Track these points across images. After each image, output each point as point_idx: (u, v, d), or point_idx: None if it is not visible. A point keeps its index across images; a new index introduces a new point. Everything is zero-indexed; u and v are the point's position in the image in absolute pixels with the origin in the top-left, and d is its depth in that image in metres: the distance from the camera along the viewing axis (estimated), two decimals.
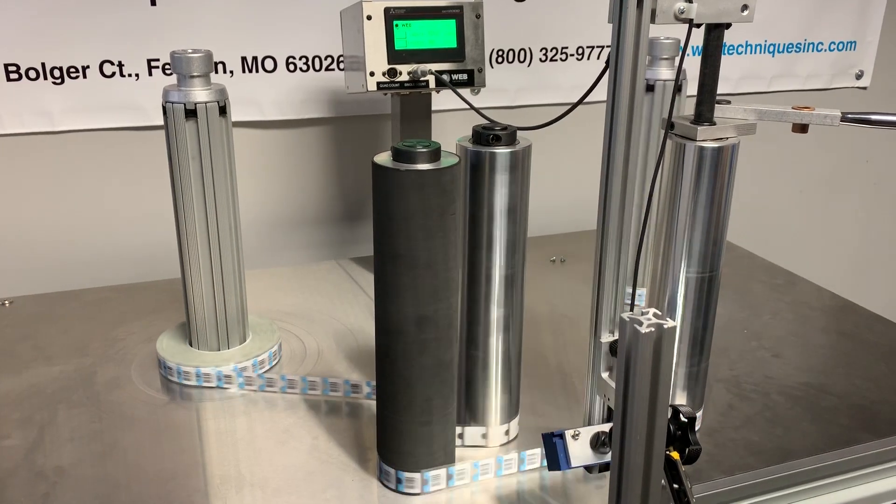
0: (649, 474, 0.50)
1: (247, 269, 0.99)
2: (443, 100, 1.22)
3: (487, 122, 0.76)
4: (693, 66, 0.77)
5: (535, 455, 0.79)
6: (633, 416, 0.49)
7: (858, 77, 1.64)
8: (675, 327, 0.47)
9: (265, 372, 0.95)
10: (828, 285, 1.23)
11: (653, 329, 0.47)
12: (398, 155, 0.67)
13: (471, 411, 0.82)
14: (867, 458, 0.84)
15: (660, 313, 0.48)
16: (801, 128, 0.78)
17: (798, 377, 0.97)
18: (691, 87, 0.85)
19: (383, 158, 0.68)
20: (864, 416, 0.89)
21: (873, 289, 1.80)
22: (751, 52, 1.53)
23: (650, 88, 1.05)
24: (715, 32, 0.73)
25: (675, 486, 0.57)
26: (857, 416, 0.89)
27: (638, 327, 0.47)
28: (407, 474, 0.74)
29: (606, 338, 0.75)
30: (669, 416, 0.63)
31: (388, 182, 0.67)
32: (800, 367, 0.99)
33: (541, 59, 1.38)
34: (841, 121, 0.75)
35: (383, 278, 0.71)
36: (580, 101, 0.77)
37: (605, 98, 0.68)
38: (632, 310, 0.59)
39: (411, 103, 1.10)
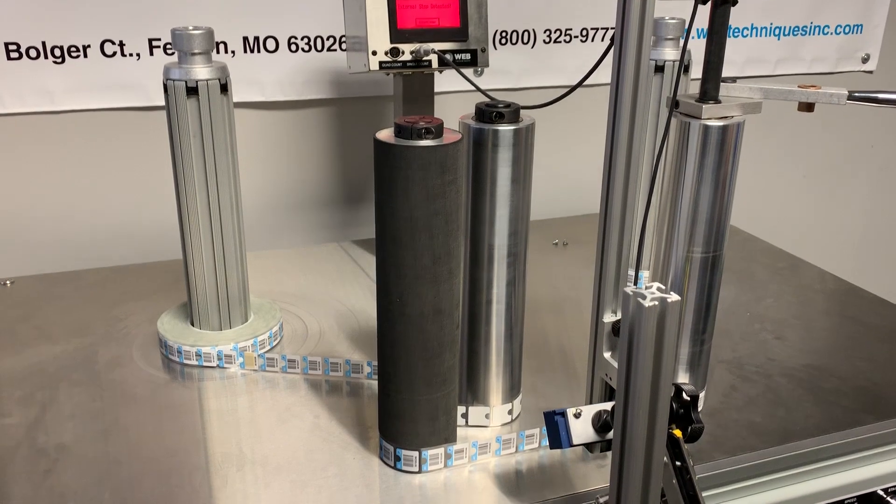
0: (651, 450, 0.50)
1: (248, 251, 0.99)
2: (446, 81, 1.22)
3: (491, 99, 0.75)
4: (698, 48, 0.76)
5: (535, 434, 0.79)
6: (636, 391, 0.49)
7: (864, 61, 1.62)
8: (678, 301, 0.47)
9: (266, 352, 0.95)
10: (832, 270, 1.22)
11: (656, 303, 0.46)
12: (400, 131, 0.66)
13: (472, 391, 0.82)
14: (870, 439, 0.84)
15: (663, 287, 0.47)
16: (807, 107, 0.77)
17: (801, 359, 0.96)
18: (696, 71, 0.84)
19: (385, 135, 0.67)
20: (867, 399, 0.88)
21: (878, 273, 1.79)
22: (756, 35, 1.52)
23: (658, 69, 1.04)
24: (721, 9, 0.72)
25: (678, 462, 0.57)
26: (859, 398, 0.89)
27: (641, 301, 0.46)
28: (407, 452, 0.74)
29: (609, 318, 0.75)
30: (672, 394, 0.63)
31: (389, 158, 0.66)
32: (803, 349, 0.99)
33: (545, 41, 1.37)
34: (848, 99, 0.75)
35: (384, 256, 0.70)
36: (584, 80, 0.76)
37: (609, 80, 0.67)
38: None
39: (414, 84, 1.10)
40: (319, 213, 1.36)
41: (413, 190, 0.66)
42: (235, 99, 1.21)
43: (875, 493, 0.85)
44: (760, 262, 1.25)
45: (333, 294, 1.11)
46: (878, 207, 1.80)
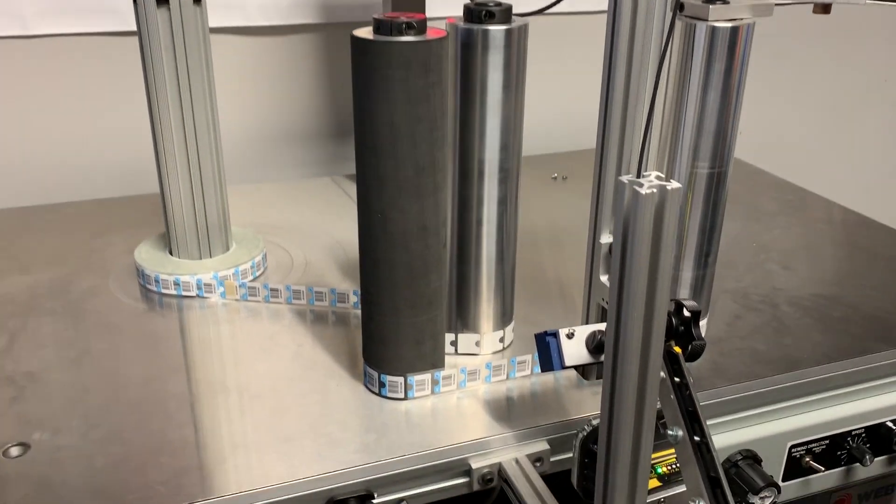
0: (648, 355, 0.46)
1: (235, 185, 0.94)
2: (437, 6, 1.15)
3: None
4: None
5: (527, 361, 0.75)
6: (632, 291, 0.44)
7: None
8: (679, 189, 0.42)
9: (250, 281, 0.90)
10: (842, 203, 1.17)
11: (654, 191, 0.42)
12: (379, 27, 0.61)
13: (462, 317, 0.78)
14: (880, 368, 0.80)
15: (662, 176, 0.43)
16: (823, 8, 0.71)
17: (808, 288, 0.92)
18: None
19: (364, 32, 0.62)
20: (877, 327, 0.84)
21: (889, 207, 1.73)
22: None
23: None
24: None
25: (677, 379, 0.52)
26: (870, 326, 0.84)
27: (638, 189, 0.41)
28: (391, 378, 0.70)
29: (606, 239, 0.70)
30: (673, 310, 0.59)
31: (367, 57, 0.61)
32: (811, 278, 0.94)
33: None
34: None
35: (364, 168, 0.65)
36: None
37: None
38: None
39: (404, 4, 1.03)
40: (310, 146, 1.30)
41: (393, 92, 0.61)
42: (215, 24, 1.15)
43: (884, 424, 0.81)
44: (768, 195, 1.20)
45: (322, 227, 1.07)
46: (890, 141, 1.73)
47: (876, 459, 0.81)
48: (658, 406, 0.53)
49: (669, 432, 0.51)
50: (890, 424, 0.82)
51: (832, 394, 0.79)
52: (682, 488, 0.66)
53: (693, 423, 0.50)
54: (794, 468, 0.79)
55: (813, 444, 0.79)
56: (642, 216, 0.42)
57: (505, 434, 0.68)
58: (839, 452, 0.81)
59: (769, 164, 1.32)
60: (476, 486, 0.67)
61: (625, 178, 0.43)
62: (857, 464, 0.81)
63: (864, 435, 0.81)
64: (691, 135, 0.71)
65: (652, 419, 0.49)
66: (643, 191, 0.41)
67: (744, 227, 1.08)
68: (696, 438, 0.50)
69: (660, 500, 0.63)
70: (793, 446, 0.78)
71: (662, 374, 0.52)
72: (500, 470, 0.67)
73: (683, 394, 0.51)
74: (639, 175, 0.63)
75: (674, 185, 0.42)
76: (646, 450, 0.49)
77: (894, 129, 1.73)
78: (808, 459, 0.79)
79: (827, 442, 0.79)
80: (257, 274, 0.92)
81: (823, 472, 0.80)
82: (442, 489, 0.67)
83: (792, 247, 1.03)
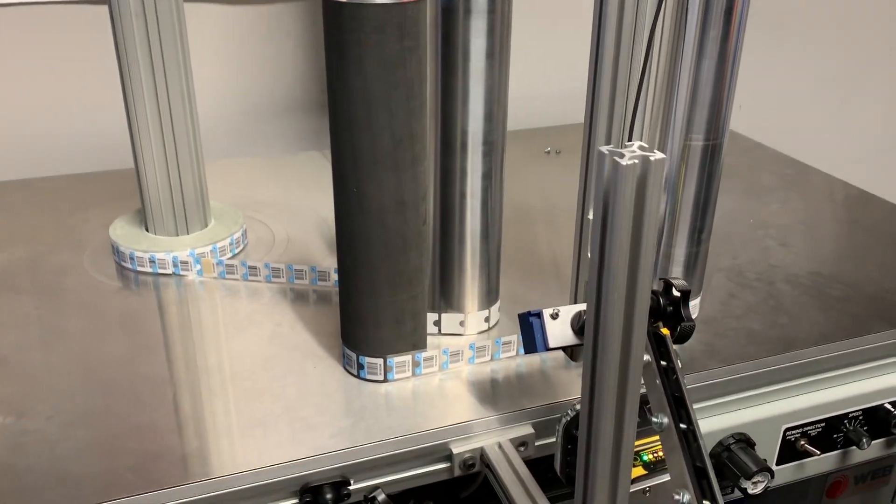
0: (630, 339, 0.43)
1: (220, 159, 0.91)
2: None
3: None
4: None
5: (512, 342, 0.72)
6: (612, 269, 0.41)
7: None
8: (663, 160, 0.39)
9: (228, 258, 0.87)
10: (844, 178, 1.14)
11: (636, 161, 0.38)
12: None
13: (445, 296, 0.75)
14: (879, 349, 0.77)
15: (646, 146, 0.40)
16: None
17: (807, 266, 0.89)
18: None
19: None
20: (878, 306, 0.81)
21: (892, 183, 1.70)
22: None
23: None
24: None
25: (664, 363, 0.50)
26: (870, 306, 0.81)
27: (618, 160, 0.38)
28: (370, 360, 0.68)
29: None
30: (661, 290, 0.56)
31: (339, 21, 0.57)
32: (809, 256, 0.91)
33: None
34: None
35: (338, 140, 0.62)
36: None
37: None
38: None
39: None
40: (297, 118, 1.27)
41: (367, 57, 0.57)
42: None
43: (882, 406, 0.79)
44: (767, 170, 1.17)
45: (307, 202, 1.04)
46: (894, 115, 1.69)
47: (873, 442, 0.79)
48: (644, 391, 0.51)
49: (654, 419, 0.49)
50: (888, 406, 0.79)
51: (829, 375, 0.76)
52: (668, 477, 0.64)
53: (679, 409, 0.48)
54: (789, 452, 0.76)
55: (808, 427, 0.76)
56: (623, 189, 0.39)
57: (488, 417, 0.65)
58: (835, 435, 0.78)
59: (768, 138, 1.28)
60: (457, 472, 0.65)
61: (605, 149, 0.40)
62: (854, 447, 0.78)
63: (861, 417, 0.78)
64: (685, 106, 0.68)
65: (635, 405, 0.46)
66: (624, 162, 0.38)
67: (741, 202, 1.05)
68: (683, 426, 0.47)
69: (645, 488, 0.60)
70: (787, 429, 0.75)
71: (648, 357, 0.49)
72: (482, 455, 0.64)
73: (670, 378, 0.49)
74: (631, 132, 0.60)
75: (657, 155, 0.39)
76: (628, 437, 0.46)
77: None
78: (803, 443, 0.76)
79: (823, 425, 0.77)
80: (236, 251, 0.90)
81: (819, 455, 0.77)
82: (421, 475, 0.64)
83: (790, 223, 1.00)
